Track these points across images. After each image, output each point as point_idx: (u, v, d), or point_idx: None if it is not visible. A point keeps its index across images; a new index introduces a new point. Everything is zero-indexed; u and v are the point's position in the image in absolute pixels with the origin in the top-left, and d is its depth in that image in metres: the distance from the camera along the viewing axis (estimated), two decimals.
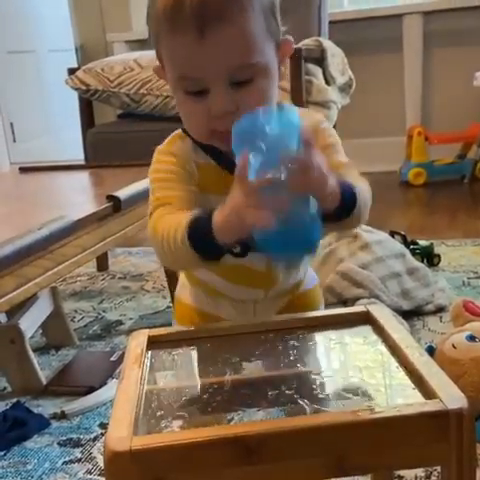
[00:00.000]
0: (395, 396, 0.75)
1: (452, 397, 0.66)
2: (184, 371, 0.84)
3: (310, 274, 1.04)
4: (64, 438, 1.34)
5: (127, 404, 0.70)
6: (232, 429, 0.65)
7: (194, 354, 0.86)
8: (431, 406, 0.65)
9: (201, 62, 0.82)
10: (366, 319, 0.89)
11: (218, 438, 0.63)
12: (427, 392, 0.70)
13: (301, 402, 0.73)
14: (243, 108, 0.83)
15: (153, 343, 0.86)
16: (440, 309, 1.81)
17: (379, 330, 0.85)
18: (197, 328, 0.91)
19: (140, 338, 0.86)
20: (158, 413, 0.72)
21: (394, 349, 0.80)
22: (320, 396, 0.75)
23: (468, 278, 2.03)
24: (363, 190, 0.90)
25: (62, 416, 1.41)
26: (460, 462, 0.65)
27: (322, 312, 0.97)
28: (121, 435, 0.64)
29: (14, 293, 1.27)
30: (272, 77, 0.87)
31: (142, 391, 0.74)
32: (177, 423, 0.70)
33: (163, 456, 0.62)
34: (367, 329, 0.87)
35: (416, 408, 0.65)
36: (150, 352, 0.84)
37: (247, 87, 0.84)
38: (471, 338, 1.29)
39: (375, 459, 0.65)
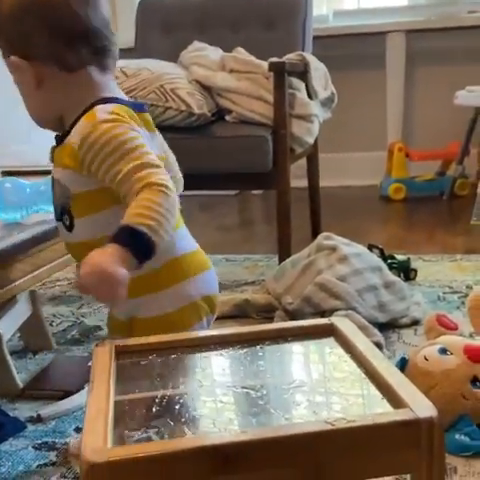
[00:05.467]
0: (366, 406, 0.76)
1: (422, 406, 0.68)
2: (153, 381, 0.84)
3: (151, 303, 1.09)
4: (39, 441, 1.34)
5: (99, 415, 0.70)
6: (210, 439, 0.65)
7: (162, 364, 0.86)
8: (403, 415, 0.67)
9: None
10: (330, 331, 0.91)
11: (196, 448, 0.63)
12: (396, 401, 0.71)
13: (274, 412, 0.74)
14: None
15: (120, 353, 0.87)
16: (415, 322, 1.83)
17: (344, 342, 0.87)
18: (163, 339, 0.91)
19: (106, 348, 0.86)
20: (131, 424, 0.72)
21: (360, 360, 0.82)
22: (292, 406, 0.77)
23: (443, 293, 2.06)
24: (155, 209, 0.94)
25: (38, 420, 1.41)
26: (430, 470, 0.67)
27: (287, 324, 0.98)
28: (97, 446, 0.64)
29: None
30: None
31: (113, 402, 0.74)
32: (151, 434, 0.70)
33: (141, 467, 0.62)
34: (331, 341, 0.89)
35: (388, 417, 0.67)
36: (117, 362, 0.85)
37: None
38: (443, 351, 1.32)
39: (351, 468, 0.67)
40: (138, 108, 1.10)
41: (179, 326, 1.06)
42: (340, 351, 0.86)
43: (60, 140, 1.08)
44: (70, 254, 1.16)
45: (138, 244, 0.91)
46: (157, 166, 0.98)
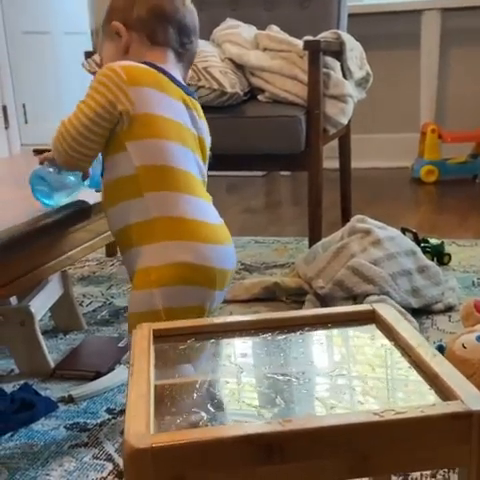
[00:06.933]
0: (412, 396, 0.74)
1: (473, 398, 0.66)
2: (192, 366, 0.83)
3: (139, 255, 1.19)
4: (71, 422, 1.34)
5: (141, 400, 0.69)
6: (254, 428, 0.64)
7: (201, 349, 0.85)
8: (454, 407, 0.64)
9: None
10: (372, 317, 0.89)
11: (239, 437, 0.62)
12: (445, 393, 0.69)
13: (317, 401, 0.72)
14: None
15: (158, 337, 0.85)
16: (449, 308, 1.80)
17: (386, 329, 0.85)
18: (201, 323, 0.90)
19: (144, 331, 0.85)
20: (172, 409, 0.71)
21: (405, 348, 0.79)
22: (336, 395, 0.74)
23: (478, 278, 2.02)
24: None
25: (69, 400, 1.41)
26: None
27: (327, 309, 0.96)
28: (140, 432, 0.63)
29: (27, 276, 1.27)
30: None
31: (154, 386, 0.73)
32: (193, 420, 0.69)
33: (184, 454, 0.62)
34: (373, 328, 0.87)
35: (439, 409, 0.65)
36: (156, 346, 0.83)
37: None
38: None
39: (397, 460, 0.64)
40: (188, 92, 1.28)
41: (157, 282, 1.13)
42: (383, 338, 0.84)
43: None
44: None
45: None
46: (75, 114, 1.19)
